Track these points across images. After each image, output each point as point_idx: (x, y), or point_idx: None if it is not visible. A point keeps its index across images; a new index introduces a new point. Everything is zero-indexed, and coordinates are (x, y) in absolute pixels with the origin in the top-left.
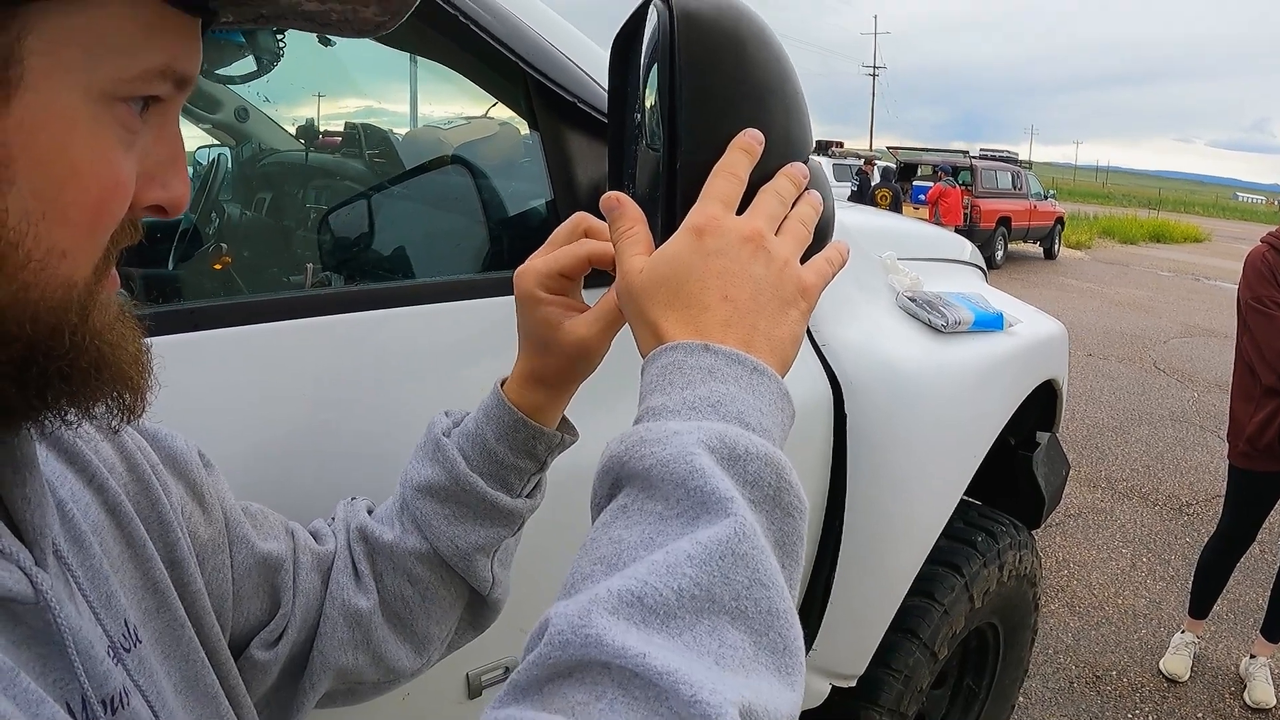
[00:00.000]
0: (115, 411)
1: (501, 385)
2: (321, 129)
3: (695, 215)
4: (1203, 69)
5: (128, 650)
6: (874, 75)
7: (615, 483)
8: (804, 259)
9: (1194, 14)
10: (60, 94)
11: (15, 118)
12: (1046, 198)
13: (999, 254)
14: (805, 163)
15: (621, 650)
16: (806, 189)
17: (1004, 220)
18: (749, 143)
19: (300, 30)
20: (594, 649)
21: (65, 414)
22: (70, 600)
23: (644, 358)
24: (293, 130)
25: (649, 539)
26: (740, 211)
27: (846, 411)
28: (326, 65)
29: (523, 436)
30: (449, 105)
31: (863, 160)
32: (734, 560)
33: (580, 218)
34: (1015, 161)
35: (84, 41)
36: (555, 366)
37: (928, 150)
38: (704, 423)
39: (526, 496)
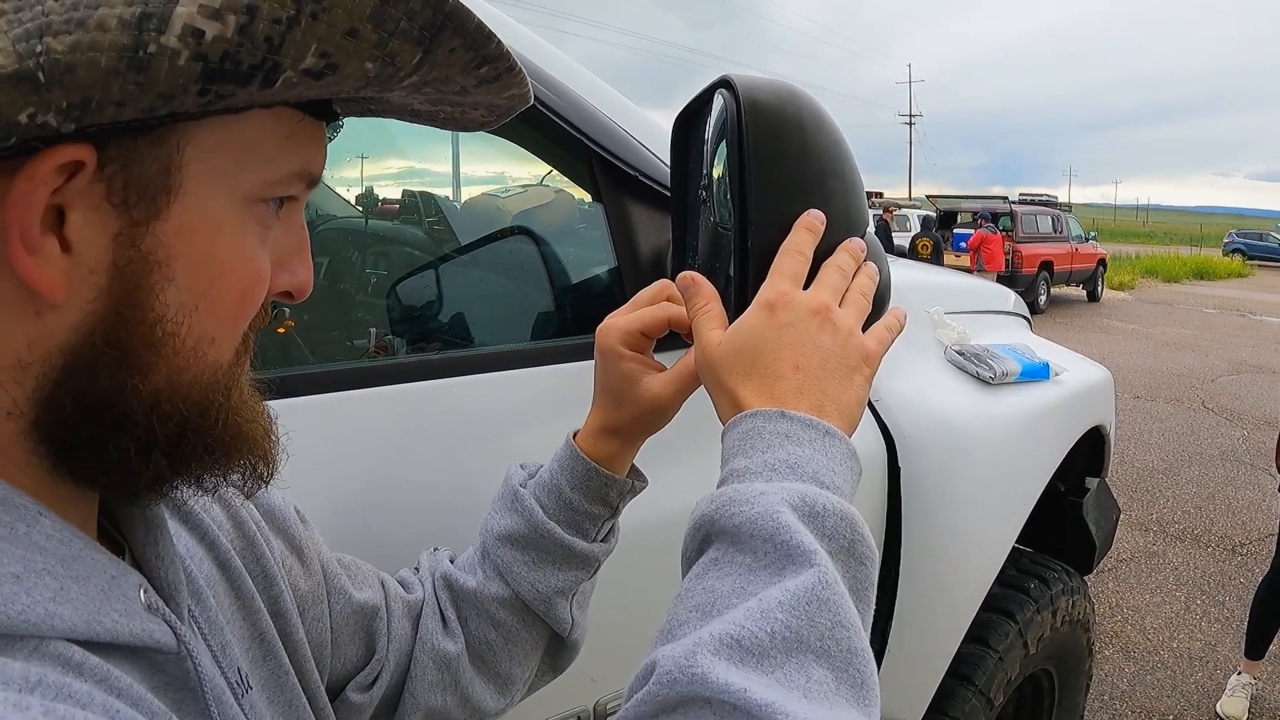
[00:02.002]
0: (249, 479)
1: (574, 437)
2: (380, 197)
3: (767, 291)
4: (1238, 101)
5: (242, 696)
6: (910, 124)
7: (705, 538)
8: (866, 325)
9: (1226, 46)
10: (213, 199)
11: (174, 221)
12: (1088, 239)
13: (1042, 298)
14: (863, 236)
15: (725, 687)
16: (865, 260)
17: (1046, 264)
18: (812, 222)
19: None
20: (700, 686)
21: (203, 482)
22: (201, 650)
23: (723, 423)
24: (350, 198)
25: (741, 588)
26: (806, 284)
27: (900, 464)
28: (369, 126)
29: (596, 485)
30: (491, 165)
31: (882, 209)
32: (818, 605)
33: (665, 284)
34: (1055, 204)
35: (233, 152)
36: (629, 418)
37: (967, 197)
38: (785, 483)
39: (601, 541)
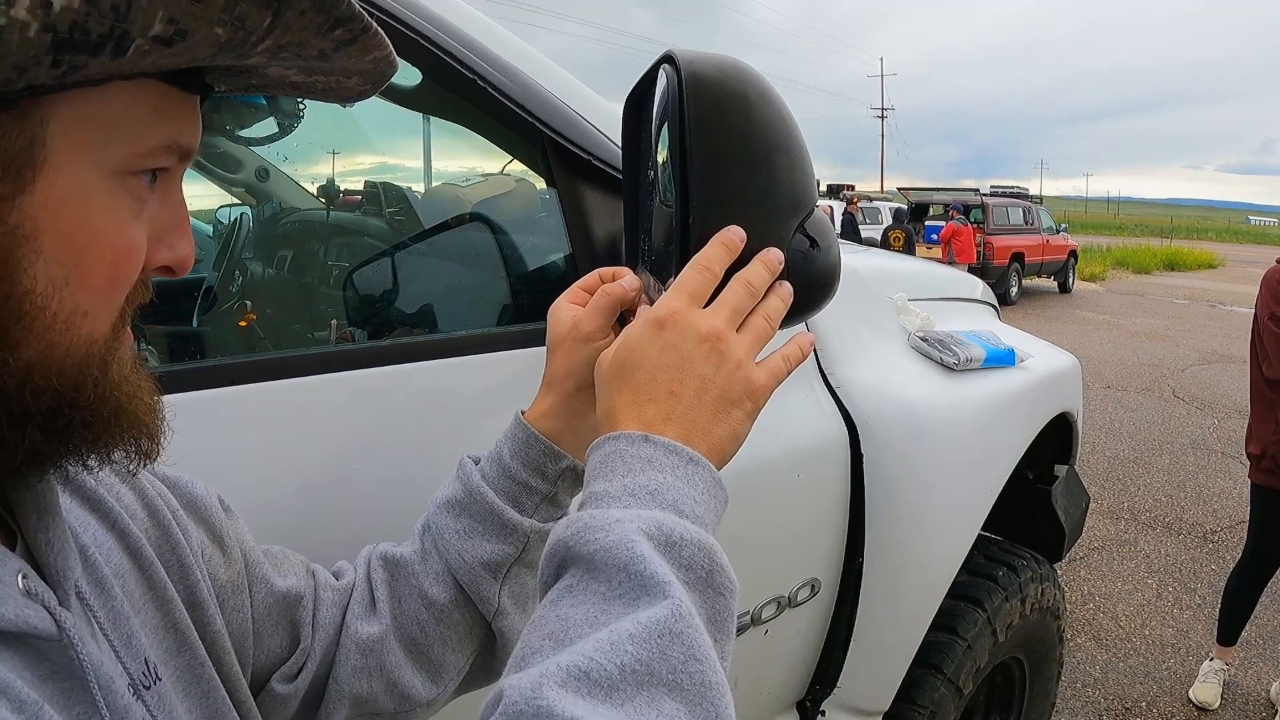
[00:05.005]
0: (133, 456)
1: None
2: (342, 188)
3: (659, 307)
4: (1208, 94)
5: (148, 687)
6: (882, 117)
7: (561, 564)
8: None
9: (1197, 39)
10: (80, 172)
11: (41, 195)
12: (1059, 231)
13: (1014, 290)
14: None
15: None
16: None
17: (1017, 256)
18: (730, 238)
19: (289, 96)
20: (544, 718)
21: (87, 459)
22: (92, 638)
23: (597, 434)
24: (313, 190)
25: (593, 618)
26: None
27: (863, 451)
28: (341, 124)
29: (534, 453)
30: (462, 160)
31: (846, 201)
32: (671, 638)
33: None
34: (1026, 197)
35: (98, 124)
36: (561, 366)
37: (938, 190)
38: (643, 511)
39: (535, 519)
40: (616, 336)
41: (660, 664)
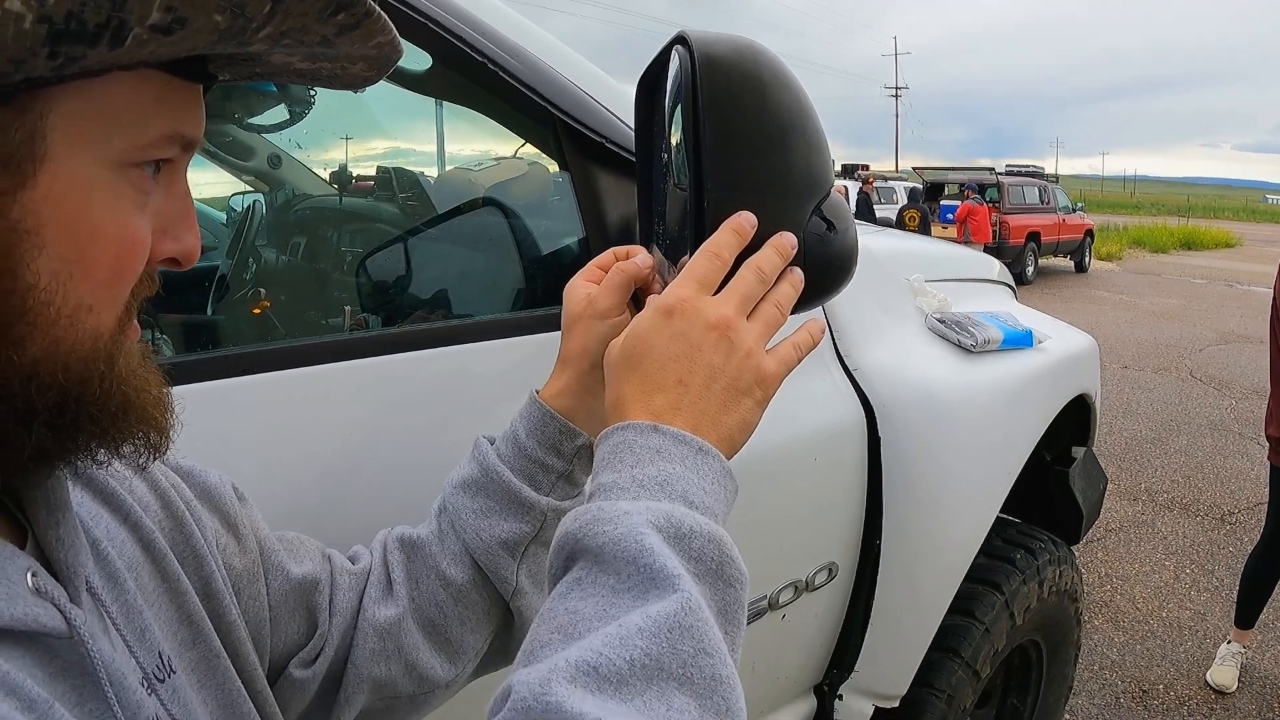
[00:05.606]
0: (142, 450)
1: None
2: (354, 174)
3: (668, 294)
4: (1225, 73)
5: (161, 681)
6: (896, 96)
7: (570, 556)
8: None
9: (1213, 17)
10: (81, 165)
11: (42, 189)
12: (1075, 210)
13: (1030, 269)
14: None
15: (579, 716)
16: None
17: (1033, 235)
18: (740, 224)
19: (293, 84)
20: (554, 714)
21: (95, 454)
22: (104, 634)
23: (606, 422)
24: (326, 176)
25: (602, 611)
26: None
27: (880, 434)
28: (353, 109)
29: (550, 431)
30: (475, 144)
31: (862, 181)
32: (681, 632)
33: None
34: (1042, 176)
35: (99, 115)
36: (575, 340)
37: (953, 169)
38: (651, 503)
39: (552, 497)
40: (631, 314)
41: (670, 658)
